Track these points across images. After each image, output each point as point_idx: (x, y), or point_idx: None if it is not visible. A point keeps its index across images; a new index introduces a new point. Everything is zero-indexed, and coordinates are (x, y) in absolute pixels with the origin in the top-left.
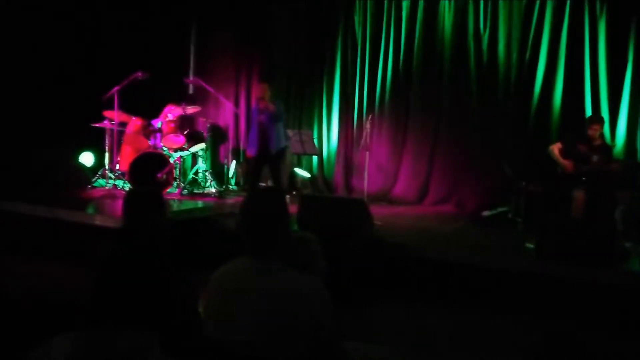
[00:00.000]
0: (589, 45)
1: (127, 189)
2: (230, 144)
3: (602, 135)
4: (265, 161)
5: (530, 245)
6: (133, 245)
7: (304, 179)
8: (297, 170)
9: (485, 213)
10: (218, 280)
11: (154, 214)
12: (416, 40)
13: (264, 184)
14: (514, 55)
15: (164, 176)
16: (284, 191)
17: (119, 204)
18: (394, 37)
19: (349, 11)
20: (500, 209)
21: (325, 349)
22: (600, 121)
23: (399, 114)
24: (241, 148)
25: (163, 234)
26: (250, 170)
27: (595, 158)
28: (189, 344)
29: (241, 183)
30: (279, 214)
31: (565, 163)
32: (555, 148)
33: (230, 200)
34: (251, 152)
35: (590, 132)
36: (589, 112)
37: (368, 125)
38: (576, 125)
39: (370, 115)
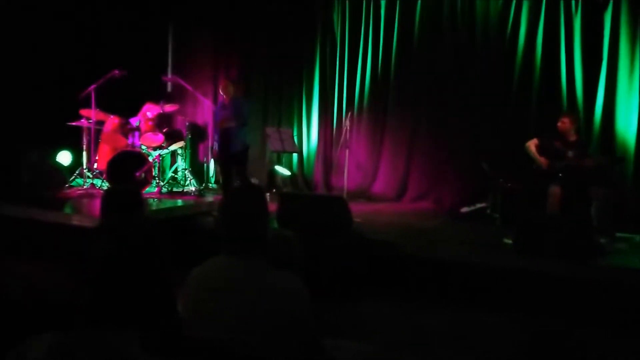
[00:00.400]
0: (564, 42)
1: (105, 188)
2: (210, 142)
3: (577, 131)
4: (229, 159)
5: (508, 241)
6: (110, 244)
7: (283, 176)
8: (277, 168)
9: (464, 209)
10: (196, 279)
11: (133, 212)
12: (394, 39)
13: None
14: (491, 53)
15: (143, 175)
16: (262, 189)
17: (96, 203)
18: (373, 36)
19: (328, 10)
20: (478, 206)
21: (305, 347)
22: (570, 115)
23: (377, 112)
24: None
25: (141, 232)
26: (220, 171)
27: (570, 154)
28: (169, 343)
29: (220, 181)
30: (258, 212)
31: (541, 159)
32: (532, 144)
33: (210, 198)
34: (215, 151)
35: (559, 125)
36: (565, 107)
37: (347, 123)
38: (553, 121)
39: (350, 113)
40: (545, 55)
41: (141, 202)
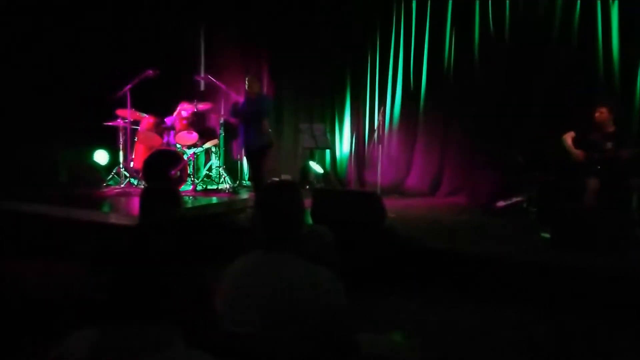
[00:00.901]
0: (601, 31)
1: (141, 186)
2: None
3: (615, 122)
4: (247, 157)
5: (545, 235)
6: (150, 241)
7: (316, 174)
8: (310, 164)
9: (500, 203)
10: (233, 274)
11: (171, 209)
12: (426, 35)
13: (276, 178)
14: (524, 44)
15: (178, 173)
16: (297, 185)
17: (133, 202)
18: (404, 32)
19: (360, 7)
20: (514, 199)
21: (340, 341)
22: (608, 105)
23: (410, 106)
24: None
25: (180, 229)
26: (250, 168)
27: (609, 145)
28: (210, 337)
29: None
30: (295, 206)
31: (577, 153)
32: (568, 137)
33: (244, 195)
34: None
35: (597, 115)
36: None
37: (380, 119)
38: (589, 113)
39: (382, 108)
40: (581, 43)
41: (179, 200)
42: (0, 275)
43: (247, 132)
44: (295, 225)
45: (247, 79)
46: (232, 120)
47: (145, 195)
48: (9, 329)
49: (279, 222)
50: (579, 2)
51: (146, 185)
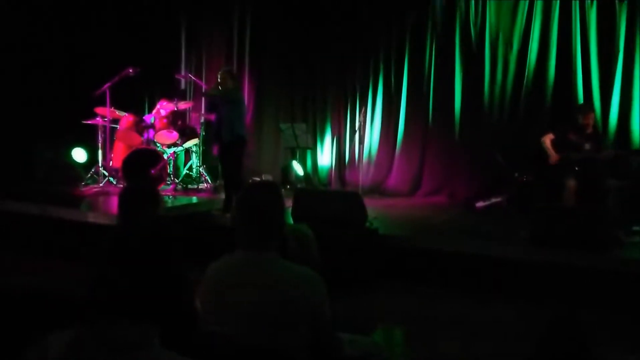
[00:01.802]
0: (579, 33)
1: (120, 185)
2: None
3: (594, 124)
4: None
5: (524, 234)
6: (130, 241)
7: (297, 174)
8: (292, 164)
9: (480, 204)
10: (213, 274)
11: (151, 209)
12: (407, 36)
13: (257, 178)
14: (504, 46)
15: (158, 172)
16: (277, 184)
17: (112, 201)
18: (386, 31)
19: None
20: (493, 200)
21: (323, 340)
22: (593, 110)
23: (391, 106)
24: None
25: (158, 229)
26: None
27: (587, 146)
28: (189, 337)
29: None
30: (275, 206)
31: (553, 155)
32: (547, 139)
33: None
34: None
35: (585, 121)
36: (580, 100)
37: (361, 119)
38: (568, 114)
39: (363, 109)
40: (560, 48)
41: (159, 200)
42: None
43: (218, 126)
44: (276, 225)
45: (219, 73)
46: (210, 116)
47: (124, 195)
48: None
49: (259, 222)
50: (557, 5)
51: (126, 184)
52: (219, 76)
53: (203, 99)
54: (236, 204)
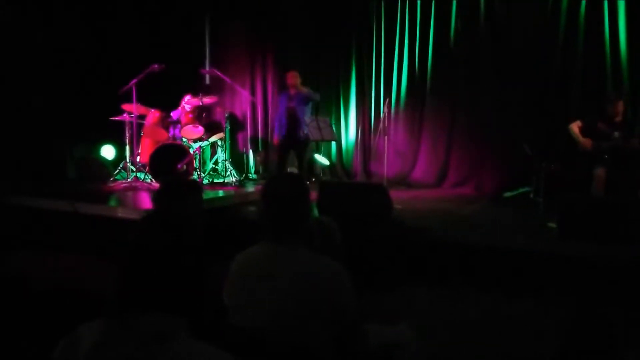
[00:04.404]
0: (608, 19)
1: (148, 181)
2: (249, 132)
3: (623, 112)
4: (292, 147)
5: (552, 225)
6: (165, 231)
7: (322, 165)
8: (316, 156)
9: (507, 194)
10: (239, 266)
11: (189, 202)
12: (431, 26)
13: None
14: (531, 33)
15: (184, 167)
16: (304, 177)
17: (140, 196)
18: (409, 21)
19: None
20: (520, 190)
21: (348, 332)
22: (622, 97)
23: (415, 97)
24: (260, 137)
25: (196, 222)
26: (278, 158)
27: (616, 135)
28: (215, 329)
29: (260, 171)
30: (300, 197)
31: (585, 141)
32: (575, 126)
33: (250, 189)
34: (278, 138)
35: (614, 109)
36: (610, 88)
37: (385, 110)
38: (596, 102)
39: (388, 100)
40: (588, 34)
41: (199, 190)
42: (8, 269)
43: (292, 123)
44: (301, 217)
45: (291, 74)
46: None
47: (165, 187)
48: (15, 323)
49: (285, 212)
50: None
51: (167, 178)
52: (289, 76)
53: (228, 94)
54: (261, 196)
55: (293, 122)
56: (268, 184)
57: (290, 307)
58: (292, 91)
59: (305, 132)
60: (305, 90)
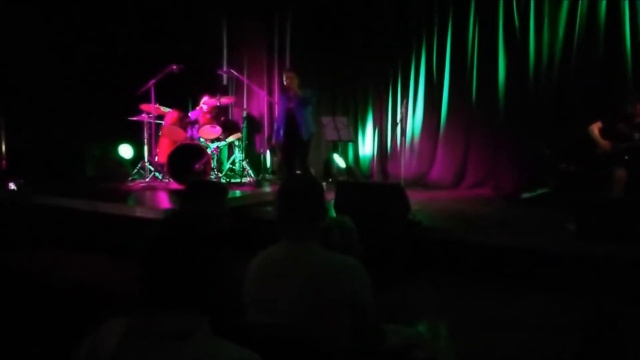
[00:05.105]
0: (628, 16)
1: (166, 180)
2: (266, 133)
3: None
4: (292, 149)
5: (570, 226)
6: (188, 232)
7: (339, 167)
8: (334, 157)
9: (525, 195)
10: (258, 265)
11: (216, 201)
12: (449, 27)
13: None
14: (549, 31)
15: (202, 167)
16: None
17: (159, 196)
18: (427, 21)
19: None
20: (539, 191)
21: (366, 331)
22: None
23: (433, 98)
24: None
25: (221, 222)
26: (282, 160)
27: (637, 136)
28: (237, 326)
29: (277, 172)
30: (315, 197)
31: (605, 143)
32: (595, 127)
33: (267, 189)
34: (277, 140)
35: (635, 110)
36: (629, 89)
37: (403, 110)
38: (617, 102)
39: (405, 101)
40: (608, 31)
41: (226, 192)
42: (29, 267)
43: (291, 124)
44: (317, 217)
45: (285, 73)
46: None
47: (193, 186)
48: (35, 320)
49: (301, 212)
50: None
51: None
52: (285, 76)
53: (245, 94)
54: (278, 196)
55: (292, 123)
56: (284, 184)
57: (309, 304)
58: (291, 92)
59: (305, 133)
60: (301, 92)
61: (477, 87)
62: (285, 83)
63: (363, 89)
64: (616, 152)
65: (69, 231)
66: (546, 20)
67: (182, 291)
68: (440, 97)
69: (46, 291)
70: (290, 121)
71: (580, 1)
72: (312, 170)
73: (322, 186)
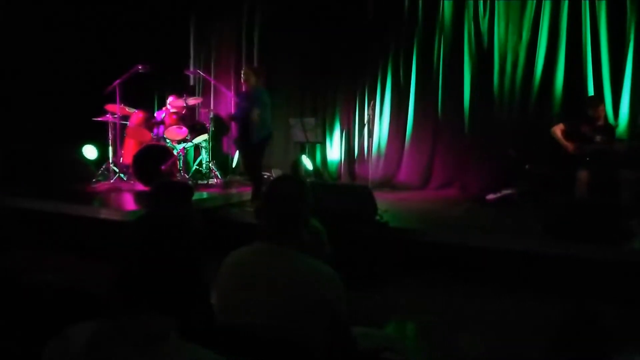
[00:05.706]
0: (589, 24)
1: (131, 181)
2: (233, 134)
3: (605, 116)
4: (244, 150)
5: (537, 226)
6: (156, 233)
7: (307, 168)
8: (302, 158)
9: (490, 196)
10: (230, 267)
11: (182, 204)
12: (418, 24)
13: (266, 174)
14: (514, 37)
15: (168, 168)
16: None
17: (123, 197)
18: (395, 25)
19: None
20: (504, 192)
21: (339, 334)
22: (603, 102)
23: (400, 100)
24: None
25: (189, 223)
26: (244, 162)
27: (598, 138)
28: (205, 329)
29: (244, 173)
30: (302, 200)
31: (567, 144)
32: (558, 129)
33: (234, 190)
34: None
35: (595, 113)
36: (591, 92)
37: (370, 112)
38: (578, 105)
39: (372, 102)
40: (570, 39)
41: (192, 194)
42: None
43: (243, 126)
44: (300, 220)
45: (243, 71)
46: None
47: (158, 189)
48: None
49: (282, 214)
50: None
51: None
52: (243, 73)
53: (212, 95)
54: (264, 197)
55: (244, 123)
56: (272, 185)
57: (280, 307)
58: (246, 90)
59: (256, 135)
60: (252, 90)
61: (443, 90)
62: (242, 80)
63: (331, 90)
64: (579, 154)
65: (36, 233)
66: (510, 26)
67: (153, 294)
68: (407, 99)
69: (14, 292)
70: (242, 121)
71: (543, 8)
72: (279, 172)
73: (308, 190)
